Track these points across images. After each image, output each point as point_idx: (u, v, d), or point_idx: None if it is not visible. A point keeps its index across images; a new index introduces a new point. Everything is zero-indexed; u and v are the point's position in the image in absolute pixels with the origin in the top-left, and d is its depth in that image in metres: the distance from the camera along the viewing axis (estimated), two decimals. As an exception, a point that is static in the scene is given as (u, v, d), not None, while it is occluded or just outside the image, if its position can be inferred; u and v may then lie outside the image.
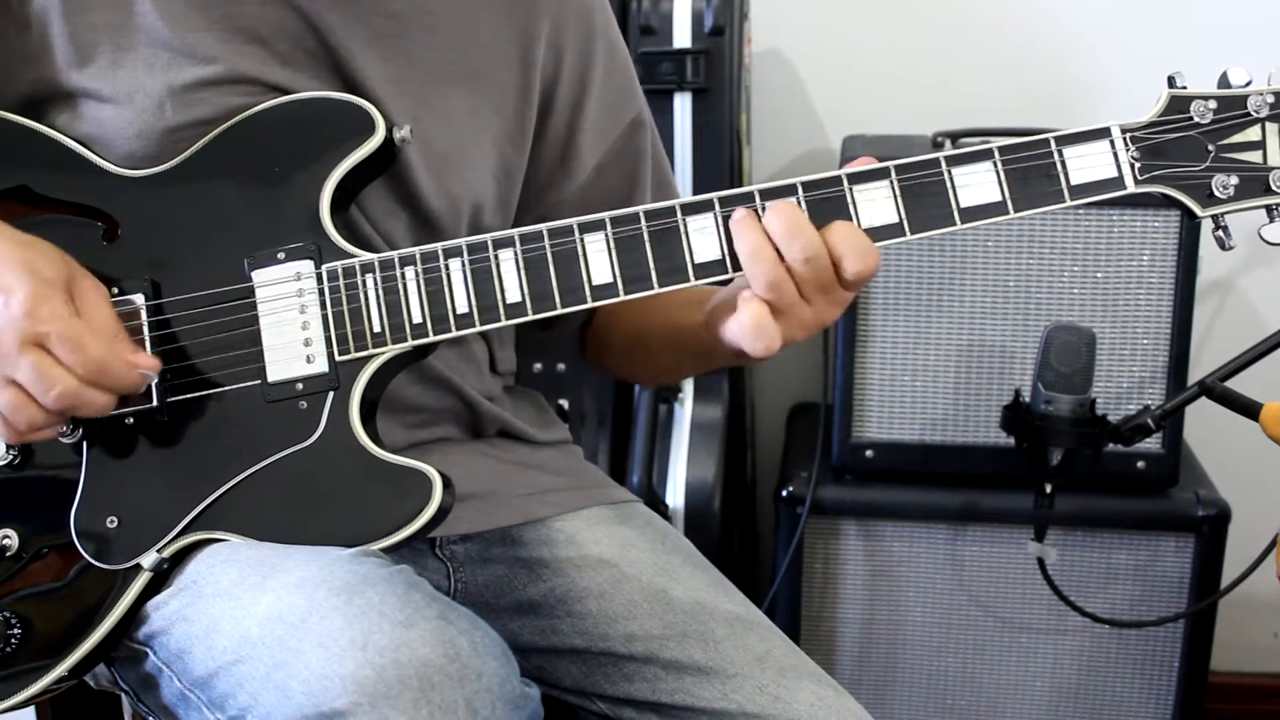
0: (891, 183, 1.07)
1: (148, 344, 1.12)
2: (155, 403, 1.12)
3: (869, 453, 2.01)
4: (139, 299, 1.12)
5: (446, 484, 1.08)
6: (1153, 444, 1.94)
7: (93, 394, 1.05)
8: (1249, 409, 1.68)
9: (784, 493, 2.02)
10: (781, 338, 1.06)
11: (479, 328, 1.10)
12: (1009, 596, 2.03)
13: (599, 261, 1.08)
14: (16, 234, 1.08)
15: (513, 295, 1.09)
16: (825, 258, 1.05)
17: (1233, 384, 1.76)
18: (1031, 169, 1.06)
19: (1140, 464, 1.97)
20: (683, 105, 2.03)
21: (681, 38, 2.01)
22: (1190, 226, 1.89)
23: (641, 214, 1.08)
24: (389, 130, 1.13)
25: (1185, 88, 1.06)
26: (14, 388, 1.04)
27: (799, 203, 1.06)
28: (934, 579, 2.04)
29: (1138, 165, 1.06)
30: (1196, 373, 1.87)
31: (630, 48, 1.98)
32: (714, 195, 1.07)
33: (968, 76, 2.31)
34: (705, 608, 1.23)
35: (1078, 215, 1.91)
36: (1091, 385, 1.80)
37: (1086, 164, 1.06)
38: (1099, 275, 1.92)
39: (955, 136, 2.03)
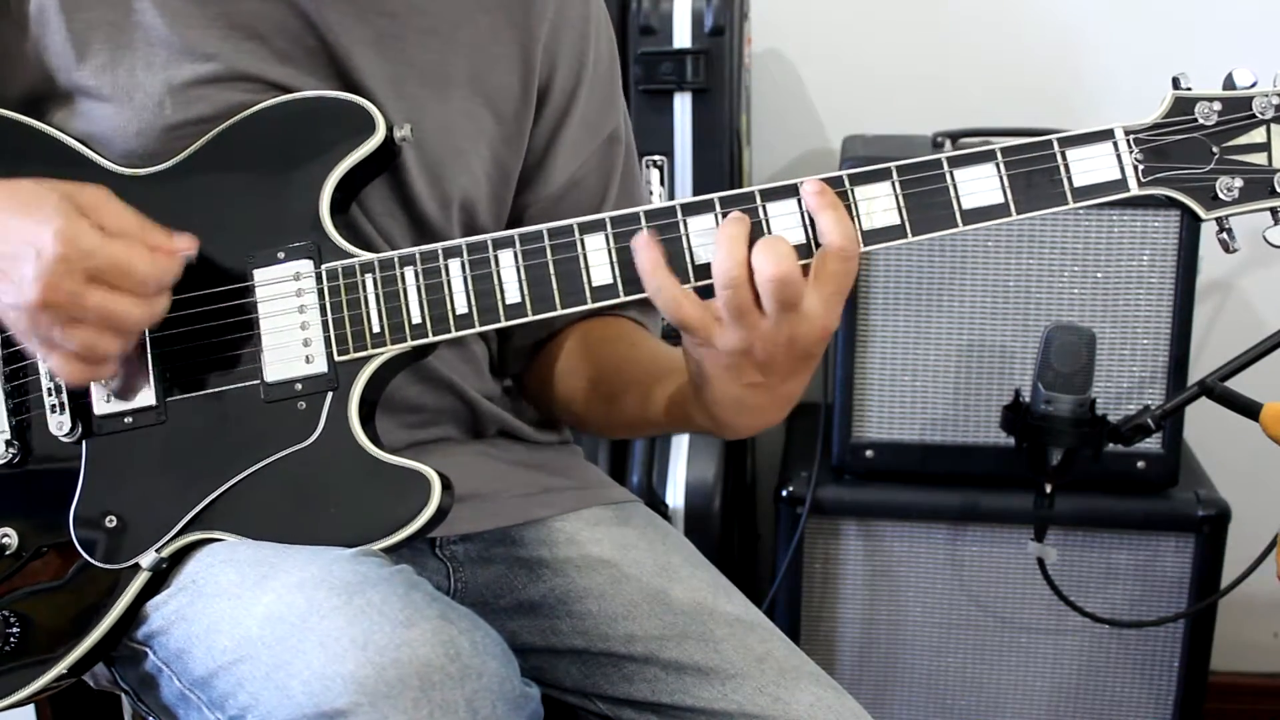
0: (893, 184, 1.06)
1: (148, 344, 1.12)
2: (154, 402, 1.12)
3: (869, 453, 2.01)
4: (138, 297, 1.12)
5: (445, 485, 1.08)
6: (1153, 444, 1.94)
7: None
8: (1249, 409, 1.68)
9: (784, 493, 2.02)
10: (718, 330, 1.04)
11: (478, 328, 1.09)
12: (1009, 596, 2.03)
13: (599, 262, 1.08)
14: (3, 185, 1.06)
15: (512, 296, 1.09)
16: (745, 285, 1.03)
17: (1233, 384, 1.77)
18: (1034, 171, 1.06)
19: (1140, 464, 1.97)
20: (683, 105, 2.02)
21: (681, 38, 2.01)
22: (1190, 226, 1.89)
23: (642, 215, 1.07)
24: (389, 129, 1.13)
25: (1190, 89, 1.06)
26: (83, 327, 1.02)
27: (799, 203, 1.06)
28: (934, 579, 2.04)
29: (1141, 167, 1.05)
30: (1196, 373, 1.87)
31: (630, 48, 1.99)
32: (715, 196, 1.07)
33: (968, 76, 2.31)
34: (705, 608, 1.23)
35: (1078, 215, 1.91)
36: (1091, 385, 1.80)
37: (1089, 166, 1.06)
38: (1099, 275, 1.92)
39: (955, 136, 2.04)
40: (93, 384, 1.12)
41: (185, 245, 1.07)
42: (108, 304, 1.01)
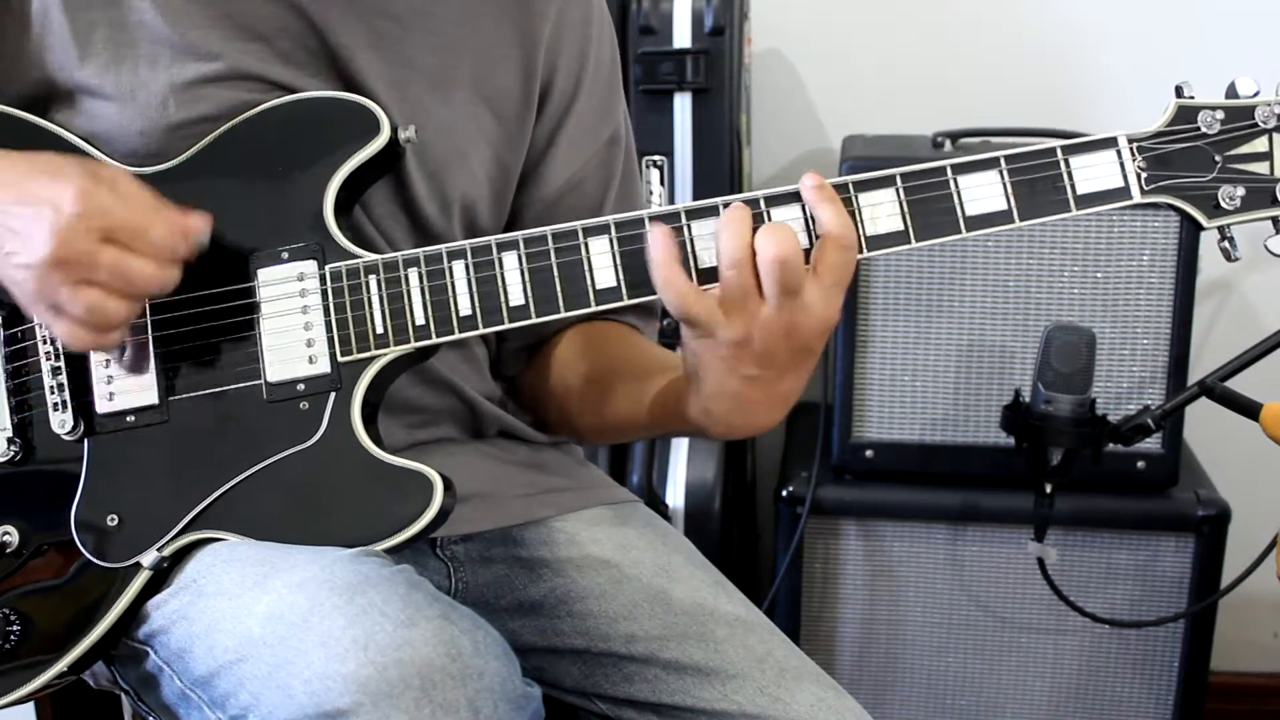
0: (897, 191, 1.06)
1: (150, 343, 1.12)
2: (156, 401, 1.12)
3: (869, 453, 2.01)
4: (141, 297, 1.12)
5: (447, 486, 1.08)
6: (1153, 444, 1.94)
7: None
8: (1249, 409, 1.68)
9: (784, 493, 2.02)
10: (722, 323, 1.05)
11: (481, 330, 1.10)
12: (1009, 596, 2.03)
13: (603, 265, 1.08)
14: (19, 153, 1.07)
15: (516, 298, 1.09)
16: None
17: (1233, 384, 1.77)
18: (1037, 178, 1.06)
19: (1140, 464, 1.97)
20: (683, 105, 2.02)
21: (681, 38, 2.01)
22: (1190, 227, 1.89)
23: (647, 218, 1.08)
24: (394, 130, 1.13)
25: (1193, 98, 1.06)
26: (93, 288, 1.02)
27: (803, 209, 1.06)
28: (934, 579, 2.04)
29: (1144, 175, 1.06)
30: (1196, 373, 1.87)
31: (630, 48, 1.99)
32: (719, 200, 1.07)
33: (968, 76, 2.31)
34: (706, 608, 1.23)
35: (1078, 216, 1.90)
36: (1091, 385, 1.80)
37: (1093, 174, 1.06)
38: (1099, 275, 1.93)
39: (955, 137, 2.03)
40: (95, 381, 1.12)
41: (199, 224, 1.08)
42: (121, 262, 1.02)
